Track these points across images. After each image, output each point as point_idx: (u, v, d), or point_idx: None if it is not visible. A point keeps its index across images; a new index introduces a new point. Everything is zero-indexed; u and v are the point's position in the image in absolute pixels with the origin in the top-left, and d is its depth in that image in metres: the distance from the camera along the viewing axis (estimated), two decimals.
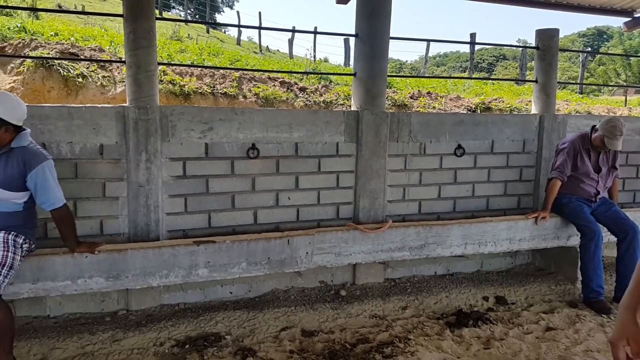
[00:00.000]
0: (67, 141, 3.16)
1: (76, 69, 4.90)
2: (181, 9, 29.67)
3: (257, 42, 20.57)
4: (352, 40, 4.05)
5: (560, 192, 3.88)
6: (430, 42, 17.05)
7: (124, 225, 3.34)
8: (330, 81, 6.93)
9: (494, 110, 5.77)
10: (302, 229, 3.59)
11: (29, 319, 3.17)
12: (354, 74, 3.99)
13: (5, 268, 2.43)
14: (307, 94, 5.61)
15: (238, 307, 3.45)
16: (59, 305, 3.28)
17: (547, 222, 3.91)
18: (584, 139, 3.91)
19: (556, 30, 4.50)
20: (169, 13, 26.79)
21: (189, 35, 13.35)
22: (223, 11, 42.36)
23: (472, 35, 14.44)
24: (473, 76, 13.30)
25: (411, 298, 3.68)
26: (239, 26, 13.80)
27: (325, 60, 19.00)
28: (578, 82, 13.26)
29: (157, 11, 19.41)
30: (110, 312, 3.33)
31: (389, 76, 4.24)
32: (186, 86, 4.94)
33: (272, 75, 5.80)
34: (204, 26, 19.63)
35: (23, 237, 2.63)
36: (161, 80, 4.91)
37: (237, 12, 24.05)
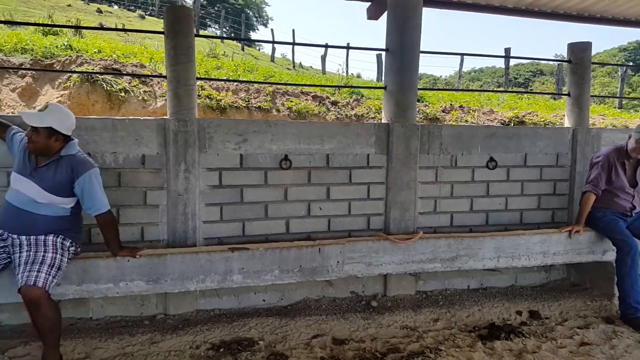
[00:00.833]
0: (111, 151, 3.34)
1: (119, 83, 5.15)
2: (217, 27, 30.55)
3: (291, 58, 20.97)
4: (384, 55, 4.13)
5: (595, 205, 3.82)
6: (464, 57, 17.00)
7: (163, 232, 3.48)
8: (362, 95, 7.03)
9: (527, 124, 5.72)
10: (333, 239, 3.66)
11: (73, 320, 3.33)
12: (385, 87, 4.06)
13: (54, 269, 2.58)
14: (338, 108, 5.72)
15: (271, 314, 3.52)
16: (101, 308, 3.43)
17: (582, 236, 3.85)
18: (619, 152, 3.84)
19: (588, 44, 4.47)
20: (205, 31, 27.62)
21: (224, 52, 13.75)
22: (257, 29, 43.32)
23: (507, 50, 14.34)
24: (508, 90, 13.20)
25: (443, 310, 3.68)
26: (273, 42, 14.13)
27: (358, 76, 19.18)
28: (617, 96, 12.95)
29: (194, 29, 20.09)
30: (149, 316, 3.46)
31: (419, 89, 4.30)
32: (222, 100, 5.12)
33: (304, 89, 5.94)
34: (239, 44, 20.16)
35: (70, 240, 2.79)
36: (199, 95, 5.11)
37: (272, 30, 24.62)
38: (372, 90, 7.24)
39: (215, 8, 32.72)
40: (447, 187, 4.10)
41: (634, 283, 3.55)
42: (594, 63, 4.86)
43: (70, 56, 5.47)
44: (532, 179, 4.28)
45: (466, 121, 5.79)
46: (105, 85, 5.06)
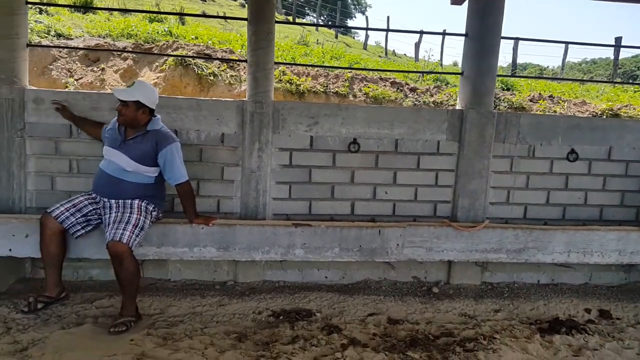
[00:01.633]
0: (195, 129, 3.65)
1: (209, 68, 5.54)
2: (315, 15, 31.05)
3: (384, 46, 20.81)
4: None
5: None
6: (569, 46, 15.80)
7: (237, 205, 3.75)
8: (447, 83, 6.88)
9: (622, 118, 5.28)
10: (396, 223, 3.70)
11: (153, 280, 3.73)
12: (461, 73, 4.00)
13: (137, 228, 2.93)
14: (417, 95, 5.67)
15: (331, 291, 3.67)
16: (179, 271, 3.79)
17: None
18: None
19: None
20: (303, 19, 28.22)
21: (317, 40, 14.02)
22: (355, 17, 43.24)
23: (618, 39, 13.15)
24: (596, 80, 12.11)
25: (506, 302, 3.60)
26: (363, 28, 14.18)
27: (455, 64, 18.57)
28: None
29: (290, 17, 20.56)
30: (220, 282, 3.77)
31: (498, 76, 4.16)
32: (301, 85, 5.32)
33: (383, 75, 5.96)
34: (333, 31, 20.37)
35: (153, 205, 3.14)
36: (280, 80, 5.35)
37: (366, 17, 24.58)
38: (457, 77, 7.05)
39: None
40: (523, 178, 3.96)
41: None
42: None
43: (167, 41, 5.96)
44: (616, 174, 3.99)
45: (554, 112, 5.47)
46: (196, 69, 5.46)
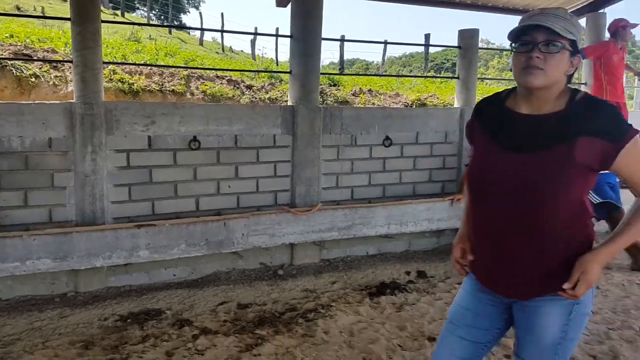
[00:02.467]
0: (18, 135, 3.40)
1: (29, 69, 5.10)
2: (145, 9, 29.46)
3: (220, 42, 20.71)
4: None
5: None
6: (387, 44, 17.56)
7: (71, 213, 3.59)
8: (281, 80, 7.27)
9: (428, 106, 6.23)
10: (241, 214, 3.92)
11: None
12: (290, 72, 4.34)
13: None
14: (253, 92, 5.94)
15: (180, 287, 3.75)
16: (10, 289, 3.50)
17: (462, 203, 4.35)
18: None
19: (476, 31, 4.96)
20: (132, 15, 26.59)
21: (150, 36, 13.44)
22: (189, 12, 42.00)
23: (427, 36, 15.07)
24: (418, 75, 13.97)
25: (341, 274, 4.07)
26: (197, 29, 14.01)
27: (289, 62, 19.21)
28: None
29: (119, 12, 19.25)
30: (59, 294, 3.58)
31: (321, 74, 4.61)
32: (135, 84, 5.20)
33: (220, 73, 6.11)
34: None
35: None
36: (111, 79, 5.16)
37: (200, 13, 24.19)
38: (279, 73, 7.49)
39: None
40: (348, 164, 4.47)
41: None
42: (481, 48, 5.38)
43: None
44: (423, 155, 4.75)
45: (373, 104, 6.21)
46: (14, 71, 4.99)
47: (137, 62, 6.02)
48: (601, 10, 5.91)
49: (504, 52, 22.16)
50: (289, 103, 4.35)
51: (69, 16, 3.56)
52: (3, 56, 5.17)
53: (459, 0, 5.81)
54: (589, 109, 1.40)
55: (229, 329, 3.08)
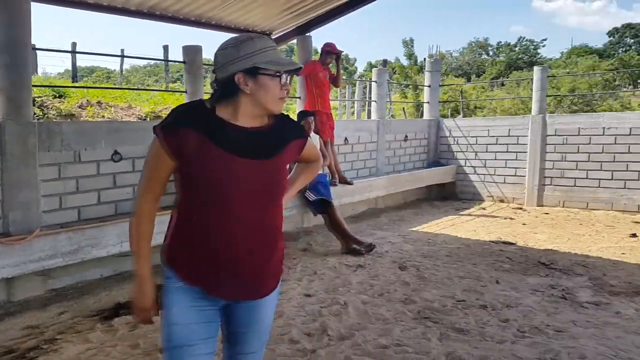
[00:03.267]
0: None
1: None
2: None
3: None
4: None
5: None
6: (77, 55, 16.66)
7: None
8: None
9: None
10: None
11: None
12: None
13: None
14: None
15: None
16: None
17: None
18: None
19: (199, 47, 5.22)
20: None
21: None
22: None
23: (122, 50, 15.13)
24: (126, 87, 13.67)
25: (71, 303, 3.79)
26: None
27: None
28: None
29: None
30: None
31: (34, 86, 4.20)
32: None
33: None
34: None
35: None
36: None
37: None
38: None
39: None
40: (73, 183, 4.18)
41: None
42: (205, 65, 5.68)
43: None
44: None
45: (103, 116, 5.90)
46: None
47: None
48: (307, 34, 6.91)
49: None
50: None
51: None
52: None
53: (171, 15, 5.83)
54: (284, 121, 1.71)
55: None
